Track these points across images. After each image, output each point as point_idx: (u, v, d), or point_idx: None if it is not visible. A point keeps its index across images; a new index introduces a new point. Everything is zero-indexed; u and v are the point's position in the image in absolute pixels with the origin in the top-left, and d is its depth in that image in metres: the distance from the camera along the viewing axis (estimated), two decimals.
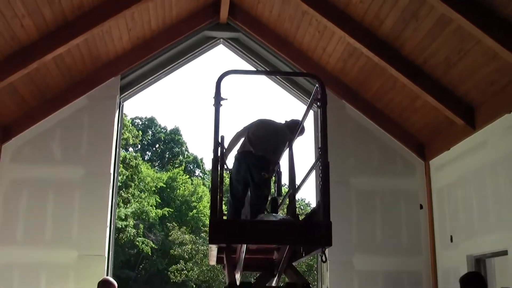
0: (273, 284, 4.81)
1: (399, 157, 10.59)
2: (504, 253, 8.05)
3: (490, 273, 8.79)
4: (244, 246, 4.21)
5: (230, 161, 5.29)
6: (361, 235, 10.05)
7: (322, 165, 3.96)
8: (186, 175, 53.71)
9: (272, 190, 5.50)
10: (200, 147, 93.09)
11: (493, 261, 8.98)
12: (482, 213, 8.64)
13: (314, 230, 4.02)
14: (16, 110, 9.61)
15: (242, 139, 5.16)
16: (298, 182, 4.81)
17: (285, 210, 5.35)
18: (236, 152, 5.00)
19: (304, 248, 4.56)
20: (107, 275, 9.51)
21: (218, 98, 4.16)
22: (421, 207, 10.40)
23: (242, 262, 4.48)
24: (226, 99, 4.14)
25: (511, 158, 7.85)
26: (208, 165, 60.99)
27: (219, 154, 4.22)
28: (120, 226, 37.27)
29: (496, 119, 8.22)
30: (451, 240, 9.53)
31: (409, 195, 10.46)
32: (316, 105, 4.46)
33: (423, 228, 10.31)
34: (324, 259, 3.98)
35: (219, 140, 4.28)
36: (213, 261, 5.27)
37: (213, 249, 4.62)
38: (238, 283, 4.04)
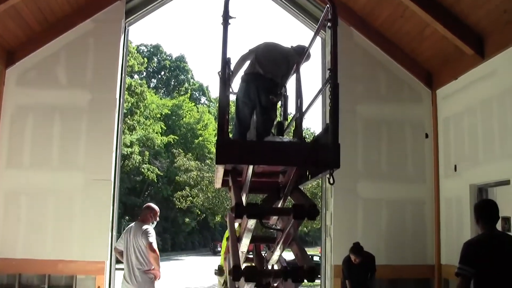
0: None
1: (406, 86, 10.50)
2: (507, 182, 8.13)
3: None
4: (251, 168, 4.16)
5: (234, 85, 5.18)
6: (366, 163, 10.10)
7: (332, 86, 3.87)
8: (191, 103, 53.75)
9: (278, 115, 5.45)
10: (206, 74, 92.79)
11: (495, 191, 9.07)
12: (487, 143, 8.66)
13: (323, 151, 3.98)
14: (20, 34, 9.49)
15: (248, 62, 5.01)
16: (305, 107, 4.72)
17: (291, 134, 5.26)
18: (243, 74, 4.85)
19: (310, 171, 4.52)
20: (114, 200, 9.65)
21: (226, 17, 4.08)
22: (427, 136, 10.40)
23: (248, 184, 4.46)
24: (235, 17, 4.07)
25: None
26: (213, 93, 60.93)
27: (226, 74, 4.16)
28: (126, 153, 37.63)
29: (506, 49, 8.08)
30: (455, 169, 9.60)
31: (415, 124, 10.45)
32: (326, 27, 4.36)
33: (428, 157, 10.36)
34: (332, 181, 3.86)
35: (227, 60, 4.19)
36: (218, 183, 5.21)
37: (219, 170, 4.53)
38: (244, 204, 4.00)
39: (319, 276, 10.16)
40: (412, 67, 10.51)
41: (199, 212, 39.23)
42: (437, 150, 10.26)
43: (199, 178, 26.60)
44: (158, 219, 7.58)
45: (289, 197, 4.65)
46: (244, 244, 4.59)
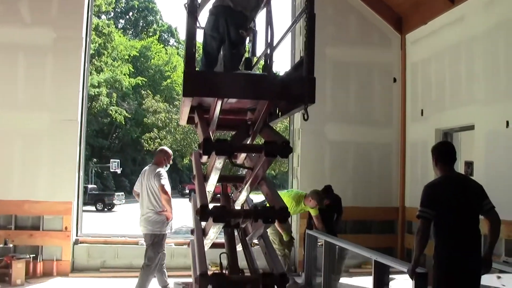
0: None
1: (376, 30, 10.45)
2: (471, 127, 8.28)
3: (456, 147, 9.01)
4: (220, 104, 3.97)
5: (202, 18, 4.90)
6: (334, 106, 10.11)
7: (308, 16, 3.68)
8: (160, 44, 52.79)
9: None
10: (174, 16, 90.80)
11: (460, 135, 9.25)
12: (454, 89, 8.76)
13: (297, 85, 3.77)
14: None
15: None
16: (276, 41, 4.54)
17: (260, 71, 5.04)
18: (211, 6, 4.57)
19: (281, 107, 4.36)
20: (80, 140, 9.53)
21: None
22: (395, 80, 10.46)
23: (216, 120, 4.28)
24: None
25: (488, 35, 7.83)
26: (182, 35, 59.82)
27: (194, 6, 3.90)
28: (93, 94, 37.06)
29: None
30: (422, 114, 9.73)
31: (383, 68, 10.48)
32: None
33: (395, 101, 10.44)
34: (306, 117, 3.69)
35: None
36: (184, 120, 4.95)
37: (186, 104, 4.25)
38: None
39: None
40: (383, 11, 10.44)
41: None
42: (404, 95, 10.35)
43: (168, 120, 26.46)
44: (171, 162, 7.72)
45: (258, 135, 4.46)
46: (211, 184, 4.44)
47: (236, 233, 4.51)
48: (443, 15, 8.97)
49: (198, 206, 3.68)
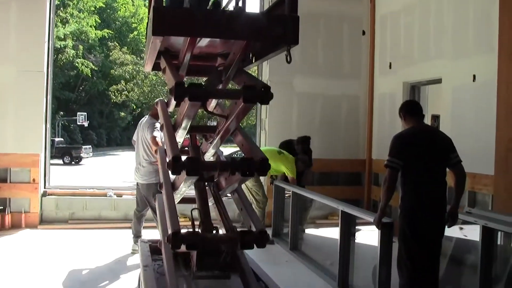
0: None
1: None
2: (439, 81, 8.36)
3: (423, 100, 9.18)
4: (193, 44, 3.67)
5: None
6: (303, 58, 9.97)
7: None
8: None
9: None
10: None
11: (427, 89, 9.35)
12: (422, 43, 8.79)
13: (279, 24, 3.43)
14: None
15: None
16: None
17: None
18: None
19: (256, 52, 4.06)
20: (47, 92, 9.38)
21: None
22: (364, 33, 10.44)
23: (186, 65, 3.96)
24: None
25: None
26: None
27: None
28: (59, 46, 36.25)
29: None
30: (390, 67, 9.77)
31: (353, 20, 10.44)
32: None
33: (364, 54, 10.46)
34: (289, 59, 3.42)
35: None
36: (149, 66, 4.60)
37: (154, 46, 3.83)
38: None
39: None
40: None
41: (134, 107, 38.75)
42: (373, 48, 10.35)
43: (135, 72, 26.18)
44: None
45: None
46: (181, 135, 4.21)
47: (207, 187, 4.30)
48: None
49: (170, 157, 3.45)
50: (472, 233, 5.79)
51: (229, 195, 4.37)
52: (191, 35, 3.54)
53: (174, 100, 3.46)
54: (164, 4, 3.42)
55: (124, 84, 26.84)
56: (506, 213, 5.79)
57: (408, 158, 4.83)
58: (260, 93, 3.34)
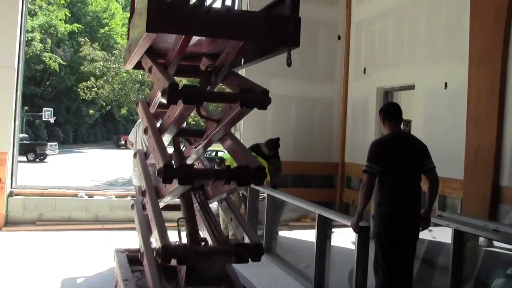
0: None
1: None
2: (412, 87, 8.52)
3: None
4: (187, 43, 3.47)
5: None
6: (279, 61, 9.88)
7: None
8: None
9: None
10: None
11: (400, 94, 9.51)
12: (397, 49, 8.95)
13: (280, 25, 3.27)
14: None
15: None
16: None
17: None
18: None
19: (248, 52, 3.88)
20: (17, 88, 9.11)
21: None
22: (339, 38, 10.56)
23: (176, 64, 3.78)
24: None
25: None
26: None
27: None
28: (26, 39, 35.56)
29: None
30: (364, 72, 9.91)
31: (329, 25, 10.55)
32: None
33: (339, 59, 10.59)
34: (289, 62, 3.28)
35: None
36: (131, 64, 4.33)
37: (144, 43, 3.56)
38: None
39: None
40: None
41: (104, 104, 38.28)
42: (348, 53, 10.48)
43: (106, 68, 25.87)
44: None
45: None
46: (167, 139, 4.03)
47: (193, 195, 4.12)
48: None
49: (161, 164, 3.24)
50: (441, 235, 5.95)
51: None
52: (190, 33, 3.33)
53: (167, 102, 3.25)
54: None
55: (94, 81, 26.48)
56: (475, 216, 5.98)
57: (386, 164, 4.92)
58: (258, 97, 3.21)
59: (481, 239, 5.85)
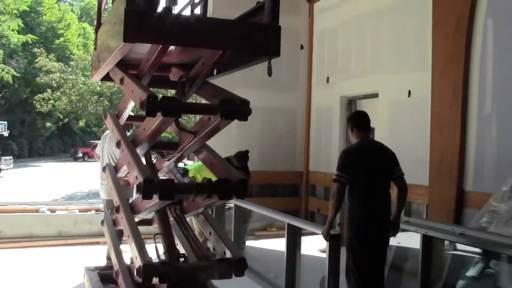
0: None
1: None
2: (375, 96, 8.63)
3: None
4: (162, 53, 3.34)
5: None
6: (242, 70, 10.02)
7: None
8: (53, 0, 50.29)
9: None
10: None
11: (363, 103, 9.62)
12: (360, 58, 9.06)
13: (259, 34, 3.19)
14: None
15: None
16: None
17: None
18: None
19: (224, 62, 3.61)
20: None
21: None
22: (302, 47, 10.64)
23: (150, 75, 3.65)
24: None
25: (396, 7, 8.12)
26: None
27: None
28: None
29: None
30: (327, 81, 10.00)
31: (291, 35, 10.59)
32: None
33: (302, 68, 10.67)
34: (270, 72, 3.21)
35: None
36: (99, 75, 4.14)
37: (118, 53, 3.39)
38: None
39: None
40: None
41: (61, 116, 37.51)
42: (311, 62, 10.57)
43: (63, 80, 25.49)
44: (134, 127, 7.40)
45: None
46: (140, 152, 3.87)
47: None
48: None
49: (140, 179, 3.11)
50: (405, 240, 6.03)
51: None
52: (169, 43, 3.22)
53: (146, 115, 3.12)
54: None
55: (50, 93, 25.98)
56: (441, 221, 6.10)
57: (355, 173, 4.96)
58: (238, 108, 3.15)
59: (446, 243, 5.97)
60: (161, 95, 3.15)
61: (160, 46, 3.32)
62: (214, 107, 3.23)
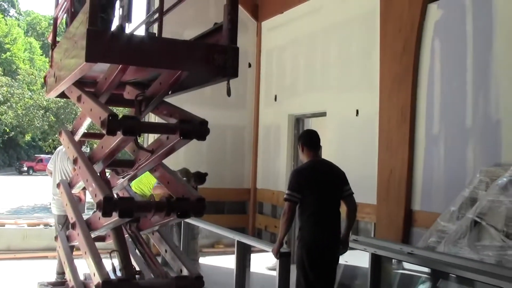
0: None
1: None
2: (323, 114, 8.68)
3: None
4: (121, 73, 3.38)
5: None
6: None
7: None
8: None
9: None
10: None
11: (311, 121, 9.68)
12: (308, 76, 9.13)
13: (218, 54, 3.31)
14: None
15: None
16: None
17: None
18: None
19: (179, 83, 3.69)
20: None
21: None
22: (250, 65, 10.66)
23: (108, 94, 3.69)
24: None
25: (343, 26, 8.21)
26: (23, 6, 56.35)
27: None
28: None
29: None
30: (275, 99, 10.03)
31: (239, 52, 10.58)
32: None
33: (250, 86, 10.67)
34: (229, 93, 3.27)
35: None
36: (56, 92, 4.14)
37: (79, 72, 3.34)
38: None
39: None
40: None
41: (7, 130, 36.67)
42: (259, 80, 10.60)
43: (9, 94, 25.28)
44: (87, 143, 7.17)
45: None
46: (97, 170, 3.84)
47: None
48: (300, 6, 9.24)
49: (99, 197, 3.12)
50: (352, 258, 6.06)
51: None
52: (131, 63, 3.25)
53: (107, 134, 3.14)
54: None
55: None
56: (389, 240, 6.13)
57: (306, 192, 4.98)
58: (197, 128, 3.24)
59: (394, 262, 6.02)
60: (121, 114, 3.15)
61: (120, 65, 3.35)
62: (173, 127, 3.31)
